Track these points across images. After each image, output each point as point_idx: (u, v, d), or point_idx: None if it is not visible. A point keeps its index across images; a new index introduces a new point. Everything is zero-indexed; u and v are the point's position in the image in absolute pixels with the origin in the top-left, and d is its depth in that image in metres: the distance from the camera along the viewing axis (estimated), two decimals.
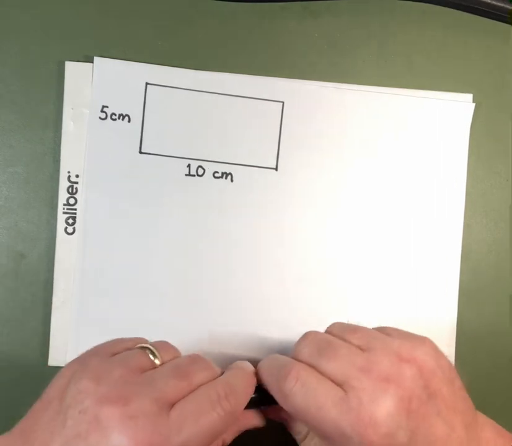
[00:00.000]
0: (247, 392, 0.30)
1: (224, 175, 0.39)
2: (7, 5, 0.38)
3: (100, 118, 0.38)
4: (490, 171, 0.41)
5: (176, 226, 0.39)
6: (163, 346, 0.31)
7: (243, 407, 0.29)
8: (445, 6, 0.40)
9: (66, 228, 0.38)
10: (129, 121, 0.38)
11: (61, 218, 0.38)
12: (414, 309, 0.40)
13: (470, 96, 0.41)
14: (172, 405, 0.27)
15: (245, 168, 0.39)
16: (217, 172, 0.39)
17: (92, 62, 0.38)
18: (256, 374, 0.31)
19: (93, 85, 0.38)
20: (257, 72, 0.39)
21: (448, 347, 0.40)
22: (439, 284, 0.40)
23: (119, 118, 0.38)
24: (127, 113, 0.38)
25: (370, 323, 0.33)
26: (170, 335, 0.38)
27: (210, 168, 0.39)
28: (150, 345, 0.30)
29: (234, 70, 0.39)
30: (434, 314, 0.40)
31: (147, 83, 0.38)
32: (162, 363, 0.29)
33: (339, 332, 0.30)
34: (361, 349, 0.29)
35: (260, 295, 0.39)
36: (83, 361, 0.29)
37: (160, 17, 0.39)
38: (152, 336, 0.38)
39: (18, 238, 0.38)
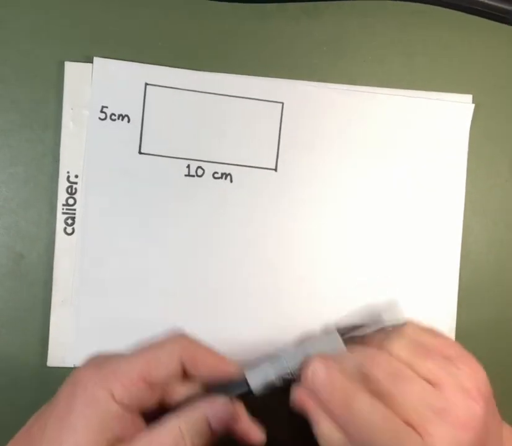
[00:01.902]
0: None
1: (224, 176, 0.39)
2: (7, 6, 0.38)
3: (99, 118, 0.38)
4: (490, 171, 0.41)
5: (175, 226, 0.39)
6: None
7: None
8: (445, 7, 0.40)
9: (65, 228, 0.38)
10: (128, 121, 0.38)
11: (61, 218, 0.38)
12: (414, 309, 0.40)
13: (469, 97, 0.41)
14: None
15: (245, 169, 0.39)
16: (216, 173, 0.39)
17: (92, 63, 0.38)
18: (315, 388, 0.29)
19: (92, 85, 0.38)
20: (257, 72, 0.39)
21: None
22: (438, 284, 0.40)
23: (118, 118, 0.38)
24: (126, 114, 0.38)
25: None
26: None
27: (209, 168, 0.39)
28: None
29: (234, 71, 0.39)
30: (433, 314, 0.40)
31: (146, 84, 0.38)
32: None
33: (409, 356, 0.29)
34: (430, 382, 0.28)
35: (259, 294, 0.39)
36: None
37: (159, 17, 0.39)
38: (151, 336, 0.38)
39: (17, 238, 0.38)
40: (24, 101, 0.38)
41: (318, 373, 0.29)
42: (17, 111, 0.38)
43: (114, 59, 0.38)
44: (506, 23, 0.40)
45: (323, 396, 0.28)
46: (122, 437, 0.27)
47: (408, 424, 0.27)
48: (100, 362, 0.29)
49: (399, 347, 0.29)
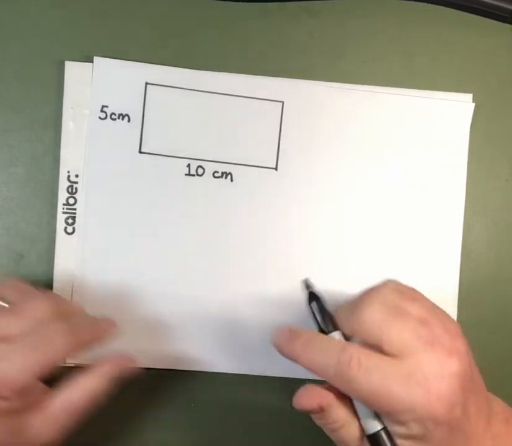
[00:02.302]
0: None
1: (224, 175, 0.39)
2: (7, 6, 0.38)
3: (99, 117, 0.38)
4: (490, 171, 0.41)
5: (176, 226, 0.39)
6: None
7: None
8: (445, 6, 0.40)
9: (66, 228, 0.38)
10: (128, 120, 0.38)
11: (61, 218, 0.38)
12: None
13: (470, 96, 0.41)
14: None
15: (245, 168, 0.39)
16: (217, 172, 0.39)
17: (92, 62, 0.38)
18: (301, 359, 0.30)
19: (93, 85, 0.38)
20: (257, 72, 0.39)
21: None
22: (439, 284, 0.40)
23: (119, 118, 0.38)
24: (127, 113, 0.38)
25: None
26: (170, 335, 0.38)
27: (210, 167, 0.39)
28: None
29: (234, 70, 0.39)
30: None
31: (146, 83, 0.38)
32: None
33: (397, 300, 0.30)
34: (419, 320, 0.29)
35: (260, 294, 0.39)
36: None
37: (160, 17, 0.39)
38: (152, 336, 0.38)
39: (18, 238, 0.38)
40: (24, 101, 0.38)
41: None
42: (17, 111, 0.38)
43: (115, 58, 0.38)
44: (506, 22, 0.40)
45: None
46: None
47: (400, 356, 0.28)
48: None
49: (386, 293, 0.30)
